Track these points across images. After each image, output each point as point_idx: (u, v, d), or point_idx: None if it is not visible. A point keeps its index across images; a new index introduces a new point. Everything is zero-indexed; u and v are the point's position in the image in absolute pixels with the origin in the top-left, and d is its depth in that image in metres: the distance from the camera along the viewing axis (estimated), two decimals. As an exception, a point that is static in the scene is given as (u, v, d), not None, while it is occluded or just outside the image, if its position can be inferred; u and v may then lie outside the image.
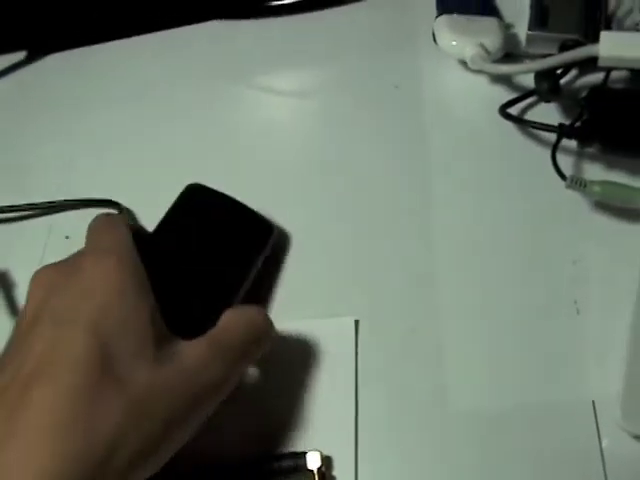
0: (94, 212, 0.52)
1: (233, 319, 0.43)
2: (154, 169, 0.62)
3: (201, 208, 0.52)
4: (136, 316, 0.39)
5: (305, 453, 0.44)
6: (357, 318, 0.50)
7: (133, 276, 0.41)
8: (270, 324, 0.44)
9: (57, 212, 0.61)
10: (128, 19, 0.74)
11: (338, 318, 0.50)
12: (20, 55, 0.74)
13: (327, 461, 0.44)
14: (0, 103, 0.72)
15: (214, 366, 0.40)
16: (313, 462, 0.43)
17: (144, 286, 0.41)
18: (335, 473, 0.44)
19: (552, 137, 0.53)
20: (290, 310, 0.50)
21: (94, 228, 0.47)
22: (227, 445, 0.45)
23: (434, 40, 0.61)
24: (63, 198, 0.61)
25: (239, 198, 0.52)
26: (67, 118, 0.69)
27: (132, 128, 0.66)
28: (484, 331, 0.49)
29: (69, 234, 0.58)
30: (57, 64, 0.73)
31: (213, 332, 0.42)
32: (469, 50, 0.58)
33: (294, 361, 0.49)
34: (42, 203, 0.61)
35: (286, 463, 0.44)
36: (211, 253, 0.49)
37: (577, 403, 0.45)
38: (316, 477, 0.43)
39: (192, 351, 0.40)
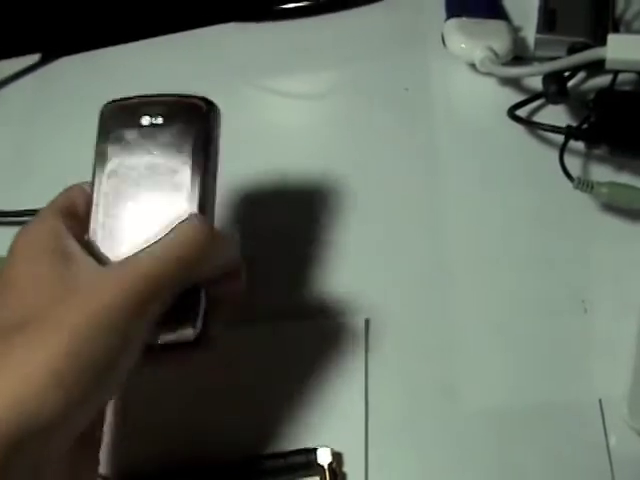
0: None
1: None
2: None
3: (127, 125, 0.46)
4: None
5: (316, 449, 0.45)
6: (368, 317, 0.50)
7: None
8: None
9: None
10: (141, 22, 0.74)
11: (349, 317, 0.51)
12: (34, 57, 0.75)
13: (338, 457, 0.45)
14: (15, 104, 0.72)
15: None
16: (324, 458, 0.44)
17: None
18: (346, 469, 0.45)
19: (560, 139, 0.54)
20: (302, 309, 0.51)
21: None
22: (240, 442, 0.46)
23: (443, 43, 0.62)
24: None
25: (252, 197, 0.52)
26: (80, 119, 0.69)
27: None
28: (493, 330, 0.49)
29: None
30: (71, 66, 0.74)
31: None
32: (478, 53, 0.58)
33: (306, 359, 0.49)
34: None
35: (298, 459, 0.45)
36: (161, 162, 0.44)
37: (584, 401, 0.46)
38: (327, 473, 0.44)
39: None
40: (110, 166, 0.45)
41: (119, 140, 0.45)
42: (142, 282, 0.38)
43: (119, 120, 0.46)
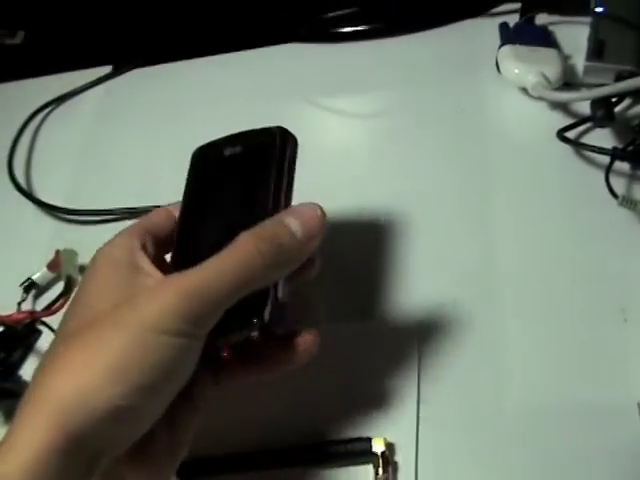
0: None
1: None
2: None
3: (211, 160, 0.50)
4: None
5: (371, 439, 0.47)
6: (421, 318, 0.53)
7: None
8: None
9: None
10: (209, 38, 0.78)
11: (403, 317, 0.53)
12: (107, 69, 0.79)
13: (390, 447, 0.47)
14: (87, 113, 0.77)
15: None
16: (378, 447, 0.46)
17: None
18: (397, 459, 0.47)
19: (606, 160, 0.56)
20: (362, 311, 0.54)
21: None
22: (302, 429, 0.48)
23: (497, 68, 0.64)
24: (143, 205, 0.64)
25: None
26: (148, 128, 0.74)
27: (209, 139, 0.69)
28: (539, 334, 0.51)
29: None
30: (141, 79, 0.78)
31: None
32: (531, 78, 0.61)
33: (365, 356, 0.52)
34: (133, 208, 0.65)
35: (354, 447, 0.47)
36: (241, 184, 0.48)
37: (623, 404, 0.47)
38: (380, 461, 0.46)
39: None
40: (196, 193, 0.49)
41: (205, 170, 0.50)
42: (194, 290, 0.39)
43: (205, 155, 0.51)
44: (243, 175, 0.48)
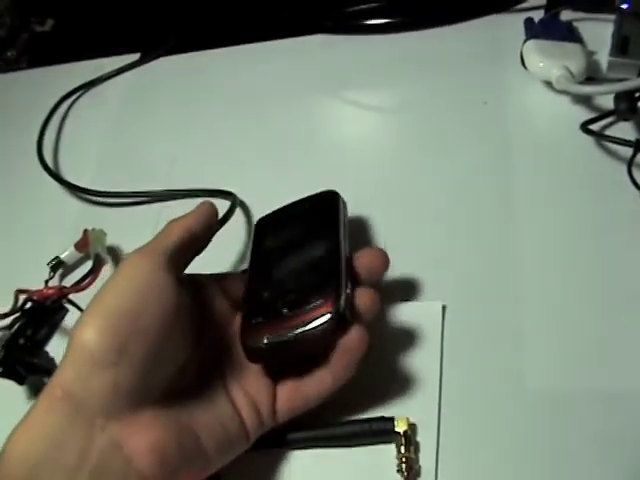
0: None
1: None
2: (253, 165, 0.68)
3: (275, 225, 0.56)
4: None
5: (394, 418, 0.48)
6: (445, 303, 0.54)
7: None
8: None
9: (171, 199, 0.66)
10: (235, 28, 0.80)
11: (427, 302, 0.54)
12: (134, 56, 0.81)
13: (412, 427, 0.48)
14: (114, 99, 0.78)
15: None
16: (401, 426, 0.47)
17: None
18: (419, 439, 0.48)
19: (628, 152, 0.57)
20: (384, 292, 0.53)
21: None
22: (323, 407, 0.49)
23: (522, 62, 0.65)
24: (167, 188, 0.66)
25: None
26: (174, 116, 0.75)
27: (233, 128, 0.71)
28: (560, 321, 0.52)
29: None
30: (168, 66, 0.79)
31: None
32: (555, 72, 0.62)
33: (386, 338, 0.52)
34: (159, 191, 0.66)
35: (377, 425, 0.48)
36: (303, 248, 0.52)
37: None
38: (403, 439, 0.47)
39: None
40: (262, 257, 0.53)
41: (268, 231, 0.56)
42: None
43: (269, 221, 0.57)
44: (306, 238, 0.52)
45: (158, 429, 0.42)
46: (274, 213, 0.57)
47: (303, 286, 0.48)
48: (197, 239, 0.49)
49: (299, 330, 0.46)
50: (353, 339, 0.46)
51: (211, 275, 0.51)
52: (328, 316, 0.46)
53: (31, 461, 0.39)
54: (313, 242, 0.51)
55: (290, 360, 0.48)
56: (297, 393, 0.48)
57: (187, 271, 0.49)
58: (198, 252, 0.50)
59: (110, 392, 0.41)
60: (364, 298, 0.48)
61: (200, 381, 0.47)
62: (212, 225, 0.51)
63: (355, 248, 0.51)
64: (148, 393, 0.43)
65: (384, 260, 0.51)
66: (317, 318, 0.46)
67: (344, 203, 0.55)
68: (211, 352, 0.48)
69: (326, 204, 0.54)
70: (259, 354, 0.47)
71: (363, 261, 0.50)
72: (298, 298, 0.47)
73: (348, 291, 0.47)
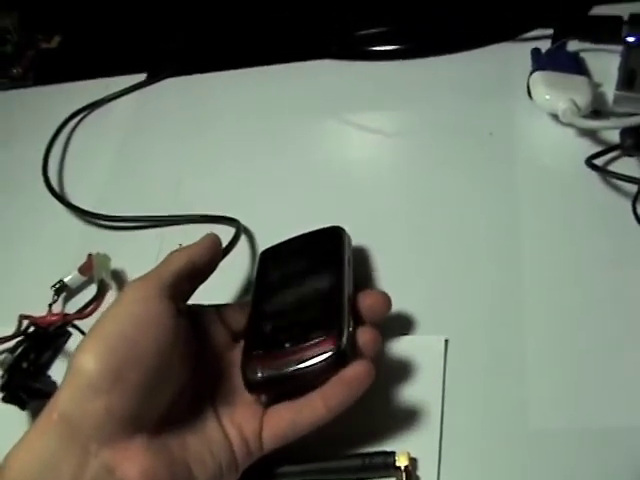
0: (207, 227, 0.56)
1: None
2: (258, 189, 0.68)
3: (280, 257, 0.57)
4: None
5: (395, 453, 0.48)
6: (447, 337, 0.53)
7: None
8: None
9: (175, 225, 0.66)
10: (242, 51, 0.80)
11: (430, 336, 0.54)
12: (141, 77, 0.81)
13: (413, 462, 0.48)
14: (120, 120, 0.78)
15: None
16: (402, 461, 0.47)
17: None
18: (419, 474, 0.48)
19: (633, 188, 0.57)
20: (387, 326, 0.53)
21: None
22: (323, 441, 0.48)
23: (528, 93, 0.65)
24: (172, 213, 0.66)
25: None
26: (179, 137, 0.75)
27: (239, 151, 0.72)
28: (563, 356, 0.52)
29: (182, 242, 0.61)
30: (174, 88, 0.79)
31: None
32: (561, 104, 0.61)
33: (388, 372, 0.52)
34: (164, 216, 0.66)
35: (378, 460, 0.48)
36: (307, 282, 0.53)
37: None
38: (403, 475, 0.47)
39: None
40: (265, 289, 0.54)
41: (273, 263, 0.56)
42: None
43: (273, 252, 0.57)
44: (310, 272, 0.53)
45: (150, 456, 0.43)
46: (279, 245, 0.57)
47: (306, 321, 0.49)
48: (199, 270, 0.50)
49: (299, 365, 0.46)
50: (356, 372, 0.46)
51: (211, 305, 0.52)
52: (330, 353, 0.46)
53: None
54: (317, 277, 0.52)
55: (289, 393, 0.48)
56: (284, 420, 0.47)
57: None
58: (201, 282, 0.51)
59: (104, 418, 0.42)
60: (366, 337, 0.48)
61: (193, 409, 0.47)
62: (216, 257, 0.51)
63: (357, 279, 0.52)
64: (142, 420, 0.43)
65: (387, 303, 0.51)
66: (318, 355, 0.46)
67: (349, 239, 0.55)
68: (205, 381, 0.49)
69: (331, 239, 0.55)
70: (258, 386, 0.48)
71: (366, 300, 0.51)
72: (300, 332, 0.48)
73: (350, 329, 0.47)
